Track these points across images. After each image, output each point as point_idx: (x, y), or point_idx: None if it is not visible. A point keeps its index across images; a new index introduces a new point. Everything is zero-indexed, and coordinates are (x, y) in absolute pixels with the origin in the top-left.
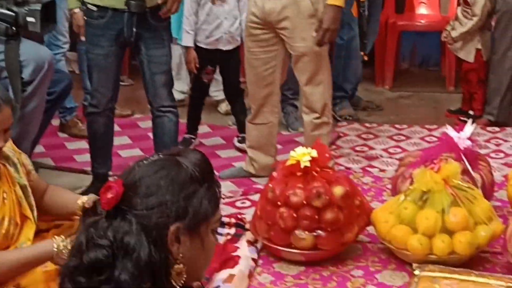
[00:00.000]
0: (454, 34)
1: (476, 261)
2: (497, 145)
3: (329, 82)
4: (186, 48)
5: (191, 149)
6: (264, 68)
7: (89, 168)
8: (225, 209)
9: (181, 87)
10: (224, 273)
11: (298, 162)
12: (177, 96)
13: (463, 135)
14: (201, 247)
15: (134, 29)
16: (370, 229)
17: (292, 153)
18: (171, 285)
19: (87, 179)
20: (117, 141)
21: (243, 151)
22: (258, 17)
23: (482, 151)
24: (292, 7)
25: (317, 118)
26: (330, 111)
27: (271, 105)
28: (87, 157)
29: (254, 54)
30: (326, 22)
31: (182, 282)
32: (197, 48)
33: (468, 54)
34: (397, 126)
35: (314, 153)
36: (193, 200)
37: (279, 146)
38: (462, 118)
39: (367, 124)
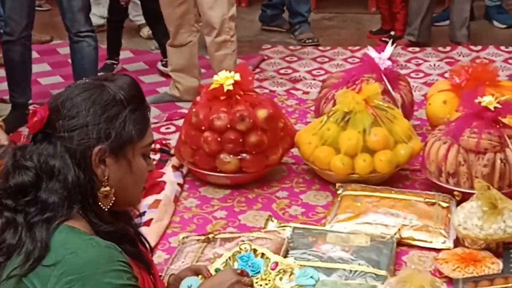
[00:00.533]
0: None
1: (396, 178)
2: (417, 65)
3: None
4: None
5: (121, 75)
6: None
7: (8, 97)
8: None
9: (101, 11)
10: (149, 199)
11: (222, 86)
12: (97, 21)
13: (384, 55)
14: (129, 170)
15: None
16: (294, 151)
17: (215, 77)
18: (99, 208)
19: (7, 108)
20: (36, 68)
21: (167, 75)
22: None
23: (403, 71)
24: None
25: (217, 35)
26: (233, 29)
27: (188, 24)
28: (5, 85)
29: None
30: None
31: (110, 204)
32: None
33: None
34: (320, 48)
35: (237, 76)
36: (116, 122)
37: (203, 70)
38: (384, 39)
39: (291, 47)
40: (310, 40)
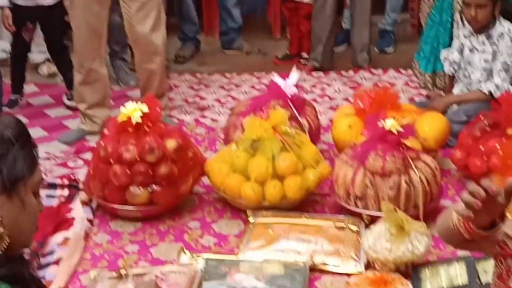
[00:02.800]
0: None
1: (306, 203)
2: (322, 89)
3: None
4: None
5: (3, 113)
6: (95, 20)
7: None
8: (56, 171)
9: (3, 45)
10: (58, 237)
11: (130, 118)
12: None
13: (289, 82)
14: (22, 209)
15: None
16: (205, 179)
17: (122, 109)
18: None
19: None
20: None
21: (73, 108)
22: None
23: (309, 96)
24: None
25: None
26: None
27: (100, 57)
28: None
29: (87, 7)
30: None
31: (5, 246)
32: (14, 6)
33: None
34: (227, 75)
35: (145, 108)
36: (6, 159)
37: (111, 102)
38: (302, 61)
39: (197, 75)
40: None
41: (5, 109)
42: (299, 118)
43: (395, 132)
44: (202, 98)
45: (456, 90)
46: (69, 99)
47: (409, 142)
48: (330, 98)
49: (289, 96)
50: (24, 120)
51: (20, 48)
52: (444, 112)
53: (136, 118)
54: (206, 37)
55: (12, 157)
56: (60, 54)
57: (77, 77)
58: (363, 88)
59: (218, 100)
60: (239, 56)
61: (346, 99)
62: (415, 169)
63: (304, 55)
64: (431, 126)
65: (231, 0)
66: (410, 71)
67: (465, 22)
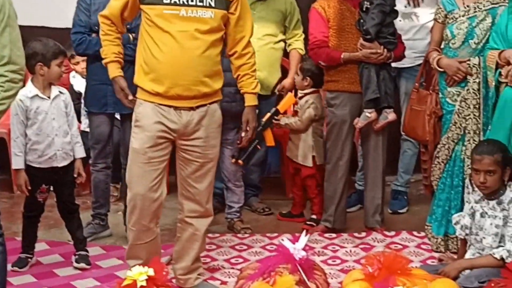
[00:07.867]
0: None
1: None
2: (334, 251)
3: None
4: (16, 170)
5: None
6: (158, 178)
7: None
8: None
9: None
10: None
11: (135, 282)
12: None
13: (298, 246)
14: None
15: None
16: None
17: (128, 272)
18: None
19: None
20: None
21: (82, 269)
22: (171, 128)
23: (320, 258)
24: (207, 117)
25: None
26: None
27: (157, 217)
28: None
29: (153, 165)
30: (252, 122)
31: None
32: (29, 168)
33: (306, 160)
34: (238, 235)
35: (151, 271)
36: None
37: (120, 261)
38: (309, 223)
39: (209, 235)
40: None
41: (14, 268)
42: (308, 283)
43: None
44: (212, 258)
45: (469, 254)
46: (77, 262)
47: None
48: (342, 260)
49: (298, 260)
50: (32, 279)
51: (34, 209)
52: (455, 278)
53: (141, 282)
54: None
55: None
56: (71, 214)
57: (131, 235)
58: (374, 250)
59: (229, 261)
60: (251, 215)
61: (358, 261)
62: None
63: (313, 216)
64: None
65: (253, 161)
66: (423, 233)
67: (475, 187)
